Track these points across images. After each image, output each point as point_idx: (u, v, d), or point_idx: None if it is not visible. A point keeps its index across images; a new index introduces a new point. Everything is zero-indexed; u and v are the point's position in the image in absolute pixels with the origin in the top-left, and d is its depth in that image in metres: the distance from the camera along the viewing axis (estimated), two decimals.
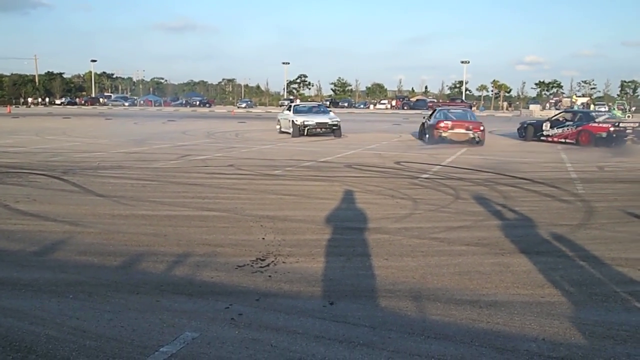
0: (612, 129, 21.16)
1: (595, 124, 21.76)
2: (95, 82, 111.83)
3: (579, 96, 76.29)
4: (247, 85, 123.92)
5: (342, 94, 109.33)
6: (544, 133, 23.65)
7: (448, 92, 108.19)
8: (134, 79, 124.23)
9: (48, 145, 19.04)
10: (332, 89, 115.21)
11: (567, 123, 22.98)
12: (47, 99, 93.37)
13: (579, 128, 22.13)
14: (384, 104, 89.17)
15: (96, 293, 4.86)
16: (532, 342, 3.97)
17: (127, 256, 5.96)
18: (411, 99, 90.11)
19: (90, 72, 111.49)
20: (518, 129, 25.69)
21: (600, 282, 5.31)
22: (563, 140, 22.54)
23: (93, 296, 4.79)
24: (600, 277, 5.43)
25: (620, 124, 21.91)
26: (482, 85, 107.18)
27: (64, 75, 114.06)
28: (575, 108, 56.22)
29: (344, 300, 4.77)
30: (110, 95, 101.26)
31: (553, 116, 25.38)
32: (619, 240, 6.90)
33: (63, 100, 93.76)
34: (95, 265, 5.69)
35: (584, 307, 4.70)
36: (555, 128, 23.24)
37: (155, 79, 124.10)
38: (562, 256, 6.16)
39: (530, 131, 24.48)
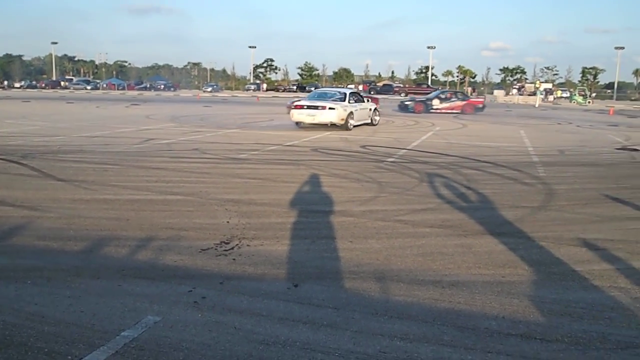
0: (484, 102, 34.89)
1: (474, 99, 35.62)
2: (56, 65, 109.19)
3: (543, 82, 77.43)
4: (213, 69, 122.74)
5: (309, 79, 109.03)
6: (434, 107, 32.18)
7: (414, 77, 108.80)
8: (97, 62, 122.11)
9: (6, 129, 18.51)
10: (298, 74, 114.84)
11: (453, 99, 33.13)
12: (5, 82, 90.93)
13: (465, 102, 32.89)
14: (350, 88, 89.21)
15: (55, 278, 4.78)
16: (492, 320, 4.04)
17: (88, 241, 5.86)
18: (378, 84, 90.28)
19: (51, 54, 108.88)
20: (399, 105, 34.31)
21: (559, 261, 5.42)
22: (450, 111, 32.03)
23: (52, 281, 4.70)
24: (559, 257, 5.54)
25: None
26: (447, 71, 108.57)
27: (24, 58, 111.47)
28: (538, 93, 57.42)
29: (308, 282, 4.77)
30: (72, 79, 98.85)
31: (439, 93, 35.18)
32: (577, 221, 7.05)
33: (22, 83, 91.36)
34: (55, 250, 5.58)
35: (543, 285, 4.80)
36: (443, 102, 32.47)
37: (119, 62, 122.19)
38: (522, 237, 6.27)
39: (422, 106, 32.42)
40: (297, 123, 20.27)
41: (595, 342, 3.70)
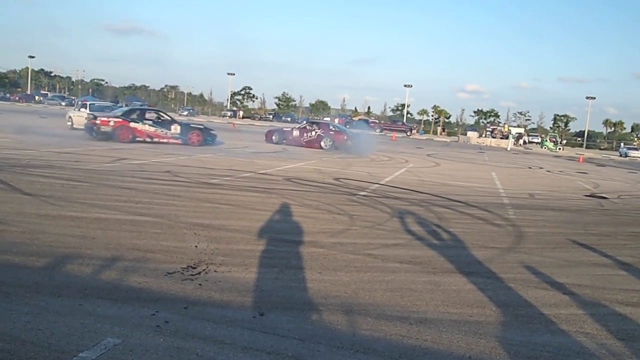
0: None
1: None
2: (31, 79, 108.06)
3: (514, 126, 78.84)
4: (190, 93, 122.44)
5: (286, 109, 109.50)
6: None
7: (390, 113, 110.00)
8: (73, 79, 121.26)
9: None
10: (276, 103, 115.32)
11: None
12: None
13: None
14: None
15: (15, 294, 4.63)
16: None
17: (51, 257, 5.71)
18: (354, 118, 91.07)
19: (27, 68, 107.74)
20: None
21: (527, 304, 5.44)
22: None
23: (11, 297, 4.55)
24: (527, 299, 5.56)
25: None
26: (423, 110, 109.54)
27: None
28: (510, 137, 58.53)
29: (274, 312, 4.70)
30: (47, 94, 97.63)
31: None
32: (545, 264, 7.10)
33: None
34: (16, 265, 5.42)
35: (510, 327, 4.79)
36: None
37: (96, 80, 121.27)
38: (491, 277, 6.28)
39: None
40: None
41: None
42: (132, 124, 21.81)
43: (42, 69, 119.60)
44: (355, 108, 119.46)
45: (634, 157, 57.74)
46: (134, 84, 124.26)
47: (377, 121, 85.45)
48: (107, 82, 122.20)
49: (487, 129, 74.06)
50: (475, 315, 5.01)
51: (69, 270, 5.40)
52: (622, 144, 71.07)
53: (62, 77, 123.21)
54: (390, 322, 4.68)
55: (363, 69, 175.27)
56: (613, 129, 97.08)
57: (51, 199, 8.66)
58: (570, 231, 9.75)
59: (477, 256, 7.22)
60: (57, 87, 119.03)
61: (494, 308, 5.23)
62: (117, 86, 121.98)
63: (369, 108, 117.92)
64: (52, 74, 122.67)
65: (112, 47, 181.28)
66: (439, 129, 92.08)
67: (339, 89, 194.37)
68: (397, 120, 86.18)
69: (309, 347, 4.03)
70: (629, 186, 21.05)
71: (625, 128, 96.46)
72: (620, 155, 59.48)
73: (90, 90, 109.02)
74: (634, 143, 79.16)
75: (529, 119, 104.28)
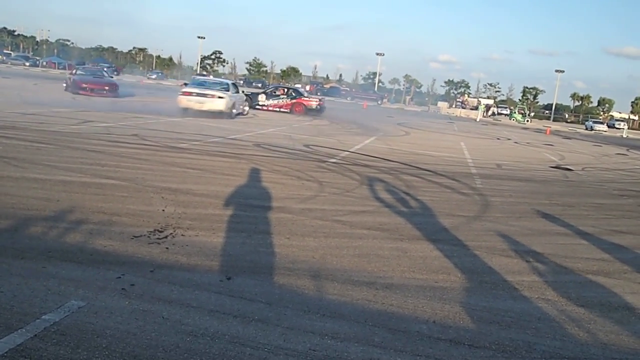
0: (321, 103, 30.47)
1: (307, 99, 30.32)
2: None
3: (484, 98, 79.50)
4: (159, 56, 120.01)
5: (257, 75, 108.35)
6: (260, 103, 28.94)
7: (362, 82, 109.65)
8: (38, 39, 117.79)
9: None
10: (247, 69, 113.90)
11: (282, 96, 29.58)
12: None
13: (294, 101, 29.26)
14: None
15: None
16: (423, 324, 4.06)
17: (14, 219, 5.59)
18: (325, 86, 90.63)
19: None
20: None
21: (491, 270, 5.53)
22: (278, 109, 28.93)
23: None
24: (491, 266, 5.65)
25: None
26: (394, 79, 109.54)
27: None
28: (480, 108, 59.06)
29: (241, 276, 4.69)
30: (10, 54, 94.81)
31: (267, 89, 31.35)
32: (510, 233, 7.21)
33: None
34: None
35: (474, 293, 4.87)
36: (270, 99, 29.31)
37: (61, 41, 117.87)
38: (457, 245, 6.36)
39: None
40: (184, 109, 20.80)
41: (522, 351, 3.77)
42: None
43: (4, 28, 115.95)
44: (327, 75, 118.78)
45: (599, 130, 58.77)
46: (101, 45, 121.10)
47: (348, 89, 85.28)
48: (73, 43, 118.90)
49: (458, 100, 74.62)
50: (440, 281, 5.08)
51: (32, 232, 5.30)
52: (588, 118, 72.26)
53: (25, 37, 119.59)
54: (357, 287, 4.71)
55: (335, 36, 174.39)
56: (580, 102, 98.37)
57: (14, 161, 8.45)
58: (535, 201, 9.91)
59: (444, 224, 7.30)
60: (21, 46, 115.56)
61: (459, 274, 5.31)
62: (84, 47, 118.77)
63: (340, 76, 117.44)
64: (16, 33, 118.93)
65: (78, 7, 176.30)
66: (407, 98, 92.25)
67: (310, 55, 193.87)
68: (368, 89, 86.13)
69: (275, 311, 4.04)
70: (593, 159, 21.47)
71: (592, 102, 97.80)
72: (586, 129, 60.45)
73: (55, 51, 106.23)
74: (600, 117, 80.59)
75: (498, 91, 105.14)
